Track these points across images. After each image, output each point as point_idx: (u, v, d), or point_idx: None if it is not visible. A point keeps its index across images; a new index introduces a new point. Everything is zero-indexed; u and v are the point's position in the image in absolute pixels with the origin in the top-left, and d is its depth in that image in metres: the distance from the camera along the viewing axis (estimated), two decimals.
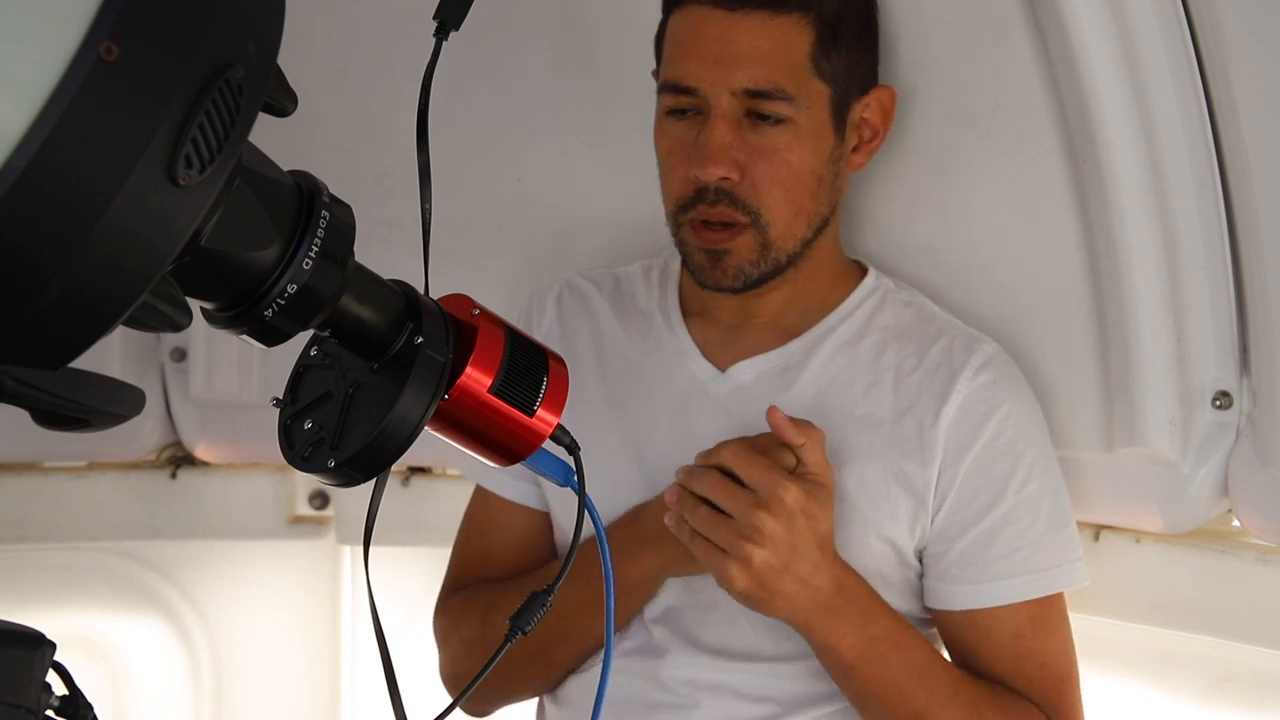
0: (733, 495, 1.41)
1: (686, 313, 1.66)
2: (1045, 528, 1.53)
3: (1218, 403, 1.60)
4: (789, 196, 1.52)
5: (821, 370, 1.58)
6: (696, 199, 1.52)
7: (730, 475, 1.43)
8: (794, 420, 1.44)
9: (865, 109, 1.58)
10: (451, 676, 1.72)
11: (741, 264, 1.53)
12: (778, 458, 1.43)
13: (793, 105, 1.50)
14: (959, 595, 1.53)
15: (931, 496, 1.52)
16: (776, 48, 1.49)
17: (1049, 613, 1.55)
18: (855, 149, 1.59)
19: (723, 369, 1.61)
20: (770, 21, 1.49)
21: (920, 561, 1.55)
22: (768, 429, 1.45)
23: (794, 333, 1.61)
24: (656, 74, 1.61)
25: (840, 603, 1.45)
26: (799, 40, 1.50)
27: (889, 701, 1.48)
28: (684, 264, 1.59)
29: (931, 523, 1.53)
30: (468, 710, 1.72)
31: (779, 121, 1.50)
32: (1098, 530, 1.72)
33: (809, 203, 1.54)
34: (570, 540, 1.67)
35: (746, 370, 1.60)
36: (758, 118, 1.50)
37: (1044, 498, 1.54)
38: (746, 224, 1.51)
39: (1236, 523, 1.66)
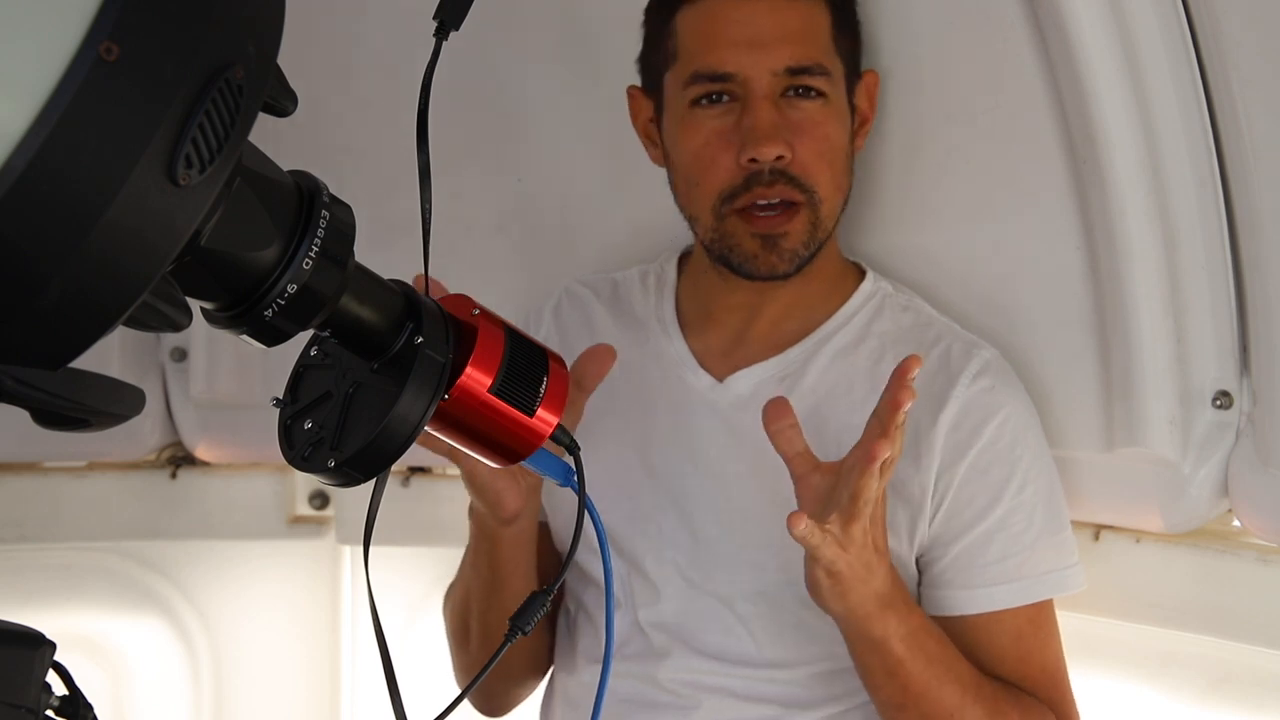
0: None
1: (684, 321, 1.66)
2: (1039, 533, 1.53)
3: (1218, 403, 1.60)
4: (832, 171, 1.55)
5: (820, 379, 1.58)
6: (746, 185, 1.52)
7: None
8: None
9: (856, 95, 1.61)
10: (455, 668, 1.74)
11: (796, 246, 1.54)
12: None
13: (829, 80, 1.54)
14: (952, 600, 1.52)
15: (929, 502, 1.51)
16: (806, 26, 1.54)
17: (1046, 616, 1.55)
18: (854, 133, 1.61)
19: (720, 378, 1.61)
20: (796, 2, 1.53)
21: (918, 568, 1.55)
22: (767, 438, 1.45)
23: (792, 339, 1.61)
24: (648, 90, 1.62)
25: (893, 595, 1.41)
26: (821, 19, 1.55)
27: (928, 697, 1.43)
28: (724, 259, 1.56)
29: (929, 528, 1.52)
30: (478, 707, 1.74)
31: (816, 97, 1.53)
32: (1097, 530, 1.72)
33: (844, 179, 1.58)
34: (564, 542, 1.69)
35: (744, 380, 1.60)
36: (795, 95, 1.53)
37: (1039, 503, 1.54)
38: (803, 202, 1.53)
39: (1236, 523, 1.66)
